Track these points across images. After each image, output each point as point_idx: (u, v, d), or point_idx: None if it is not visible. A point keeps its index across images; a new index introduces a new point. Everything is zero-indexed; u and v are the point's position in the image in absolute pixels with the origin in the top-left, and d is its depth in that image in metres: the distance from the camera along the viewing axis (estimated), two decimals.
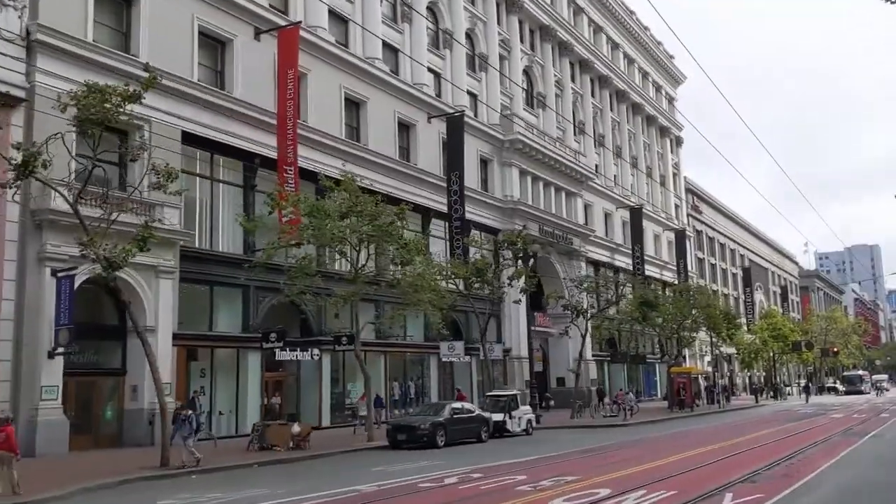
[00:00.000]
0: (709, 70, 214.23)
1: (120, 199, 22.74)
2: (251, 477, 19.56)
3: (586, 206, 64.39)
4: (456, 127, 44.44)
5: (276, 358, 32.57)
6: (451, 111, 45.29)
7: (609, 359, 63.91)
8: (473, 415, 28.60)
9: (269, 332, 31.18)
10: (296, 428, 25.41)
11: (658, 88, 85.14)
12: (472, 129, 48.61)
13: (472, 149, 48.69)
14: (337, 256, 30.50)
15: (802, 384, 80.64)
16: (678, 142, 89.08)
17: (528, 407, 33.55)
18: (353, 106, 39.94)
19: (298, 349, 33.48)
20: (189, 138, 30.55)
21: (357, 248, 26.90)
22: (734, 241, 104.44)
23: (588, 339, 50.55)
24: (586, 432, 33.72)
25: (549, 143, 56.50)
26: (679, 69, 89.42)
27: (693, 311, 54.27)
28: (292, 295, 28.22)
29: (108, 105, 19.69)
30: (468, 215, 45.93)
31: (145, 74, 28.15)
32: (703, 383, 66.98)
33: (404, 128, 43.54)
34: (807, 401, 65.56)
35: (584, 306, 43.68)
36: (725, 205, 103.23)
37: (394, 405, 39.40)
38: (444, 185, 43.90)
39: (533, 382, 40.66)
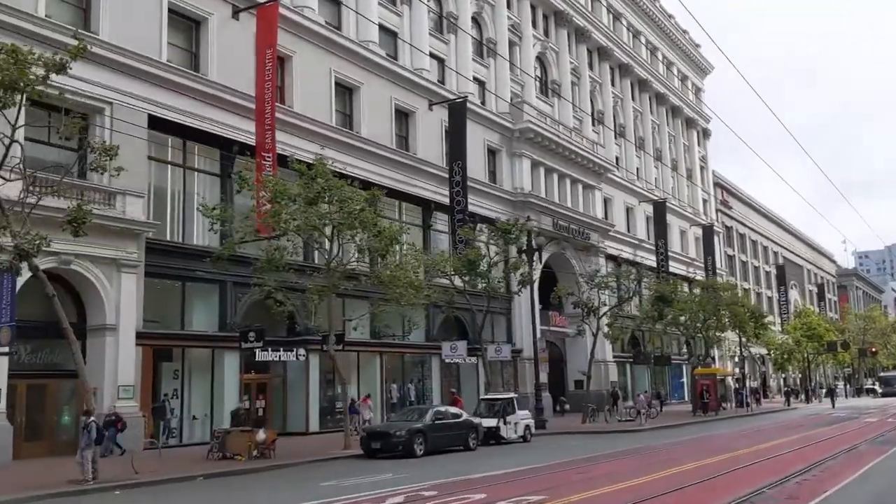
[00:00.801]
0: (736, 64, 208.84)
1: (53, 183, 20.54)
2: (185, 492, 17.31)
3: (606, 200, 61.54)
4: (458, 114, 41.98)
5: (257, 358, 30.45)
6: (453, 97, 42.80)
7: (631, 360, 60.95)
8: (460, 420, 26.00)
9: (247, 331, 28.97)
10: (261, 435, 23.12)
11: (683, 79, 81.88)
12: (479, 118, 46.16)
13: (479, 138, 46.22)
14: (316, 247, 27.98)
15: (827, 387, 75.91)
16: (705, 134, 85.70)
17: (526, 412, 30.91)
18: (346, 92, 37.66)
19: (281, 349, 31.34)
20: (158, 124, 28.47)
21: (329, 238, 24.50)
22: (767, 238, 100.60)
23: (606, 340, 47.83)
24: (591, 439, 31.04)
25: (565, 133, 53.82)
26: (706, 59, 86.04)
27: (718, 309, 51.15)
28: (264, 291, 25.95)
29: (27, 72, 17.51)
30: (474, 208, 43.57)
31: (106, 54, 26.57)
32: (733, 385, 63.90)
33: (402, 115, 41.19)
34: (832, 405, 61.50)
35: (596, 303, 40.86)
36: (757, 200, 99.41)
37: (391, 409, 36.99)
38: (447, 175, 41.47)
39: (540, 384, 37.95)
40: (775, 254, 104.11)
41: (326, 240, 24.55)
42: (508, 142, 49.16)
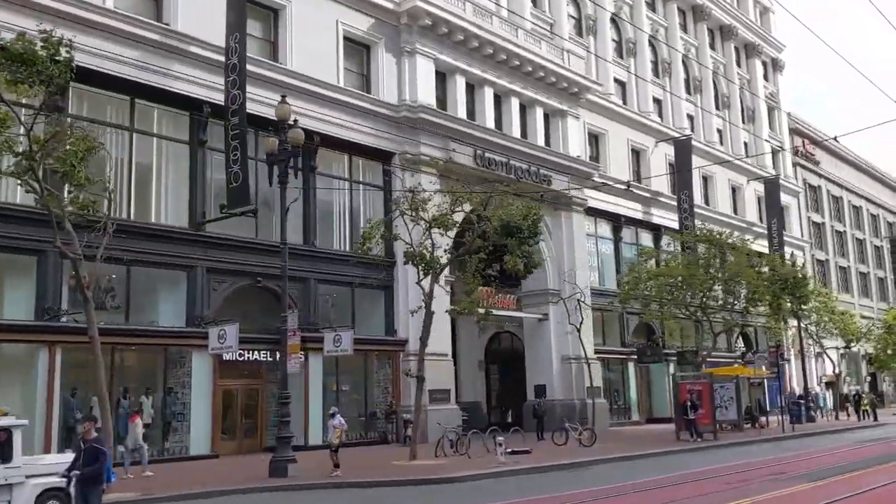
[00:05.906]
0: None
1: None
2: None
3: (595, 137, 44.22)
4: None
5: None
6: None
7: (636, 357, 43.08)
8: None
9: None
10: None
11: None
12: None
13: (328, 22, 30.66)
14: None
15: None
16: (775, 65, 65.99)
17: (61, 457, 13.94)
18: None
19: None
20: None
21: None
22: (873, 203, 78.78)
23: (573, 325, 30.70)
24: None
25: (503, 29, 37.11)
26: None
27: (711, 277, 33.15)
28: None
29: None
30: (312, 123, 27.94)
31: None
32: (818, 392, 45.17)
33: None
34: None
35: (430, 250, 23.55)
36: (855, 153, 77.25)
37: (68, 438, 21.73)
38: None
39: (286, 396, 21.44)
40: (890, 225, 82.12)
41: None
42: (393, 33, 33.08)
